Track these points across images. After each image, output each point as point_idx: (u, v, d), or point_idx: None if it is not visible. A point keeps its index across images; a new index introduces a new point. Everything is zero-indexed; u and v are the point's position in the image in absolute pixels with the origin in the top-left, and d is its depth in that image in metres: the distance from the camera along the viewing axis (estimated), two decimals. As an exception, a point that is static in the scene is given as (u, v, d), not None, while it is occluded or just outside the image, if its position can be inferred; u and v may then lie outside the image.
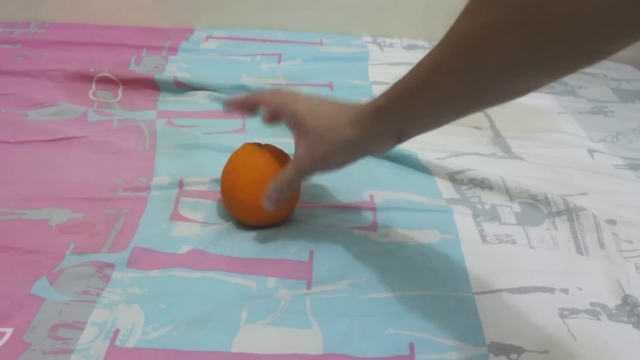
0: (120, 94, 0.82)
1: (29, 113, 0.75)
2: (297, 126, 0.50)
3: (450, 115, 0.43)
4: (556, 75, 0.36)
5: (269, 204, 0.52)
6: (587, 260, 0.55)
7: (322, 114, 0.49)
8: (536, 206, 0.62)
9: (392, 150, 0.68)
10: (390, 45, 1.03)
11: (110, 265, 0.51)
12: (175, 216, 0.58)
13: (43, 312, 0.46)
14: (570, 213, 0.60)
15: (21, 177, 0.63)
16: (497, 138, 0.76)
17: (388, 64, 0.95)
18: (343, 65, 0.94)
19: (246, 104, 0.55)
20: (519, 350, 0.45)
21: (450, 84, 0.39)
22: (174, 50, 0.95)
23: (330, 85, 0.87)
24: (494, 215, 0.61)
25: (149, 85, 0.83)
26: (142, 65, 0.89)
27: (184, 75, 0.84)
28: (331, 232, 0.57)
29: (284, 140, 0.62)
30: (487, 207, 0.62)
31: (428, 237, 0.57)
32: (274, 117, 0.53)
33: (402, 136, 0.47)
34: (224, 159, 0.57)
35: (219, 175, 0.57)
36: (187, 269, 0.51)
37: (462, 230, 0.58)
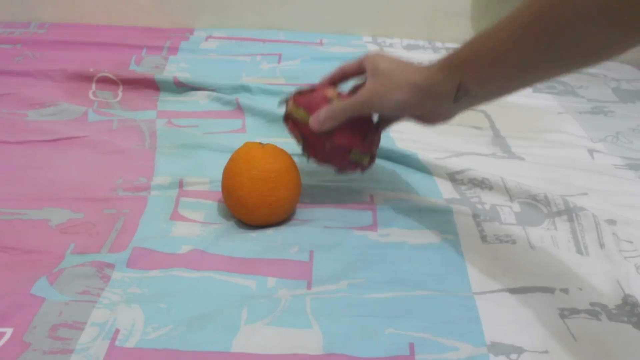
0: (120, 94, 0.82)
1: (29, 113, 0.75)
2: (372, 68, 0.53)
3: (513, 78, 0.45)
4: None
5: (314, 123, 0.55)
6: (587, 260, 0.55)
7: (396, 60, 0.53)
8: (536, 206, 0.62)
9: (392, 150, 0.69)
10: (390, 45, 1.03)
11: (110, 265, 0.51)
12: (175, 216, 0.58)
13: (43, 312, 0.46)
14: (570, 213, 0.60)
15: (21, 177, 0.63)
16: (497, 138, 0.76)
17: (388, 64, 0.95)
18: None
19: (333, 78, 0.59)
20: (519, 350, 0.45)
21: (524, 38, 0.41)
22: (174, 50, 0.95)
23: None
24: (493, 215, 0.61)
25: (149, 85, 0.83)
26: (142, 65, 0.89)
27: (184, 75, 0.84)
28: (331, 232, 0.57)
29: (285, 140, 0.62)
30: (487, 207, 0.62)
31: (428, 237, 0.57)
32: (357, 66, 0.56)
33: (461, 92, 0.47)
34: (224, 159, 0.57)
35: (219, 175, 0.57)
36: (187, 269, 0.51)
37: (462, 230, 0.58)
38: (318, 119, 0.54)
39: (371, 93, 0.52)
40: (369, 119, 0.58)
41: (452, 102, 0.48)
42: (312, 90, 0.58)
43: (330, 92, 0.57)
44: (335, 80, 0.59)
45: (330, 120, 0.54)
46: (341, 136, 0.56)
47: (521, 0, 0.41)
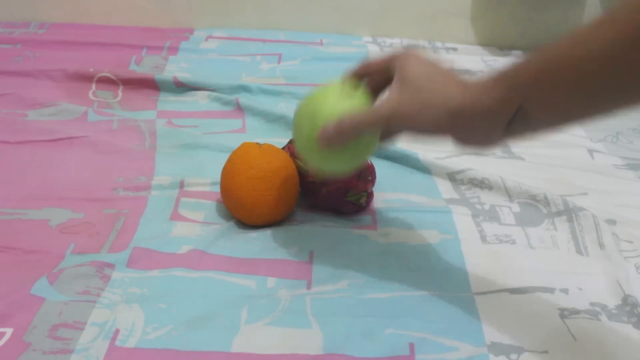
0: (120, 94, 0.82)
1: (29, 113, 0.75)
2: (400, 73, 0.42)
3: (595, 105, 0.36)
4: None
5: (322, 138, 0.43)
6: (587, 261, 0.55)
7: (433, 67, 0.41)
8: (536, 206, 0.62)
9: (392, 150, 0.69)
10: (390, 45, 1.03)
11: (110, 265, 0.51)
12: (176, 216, 0.58)
13: (43, 312, 0.46)
14: (569, 213, 0.60)
15: (21, 177, 0.63)
16: (497, 138, 0.76)
17: (388, 64, 0.95)
18: (343, 65, 0.93)
19: (356, 74, 0.47)
20: (519, 350, 0.45)
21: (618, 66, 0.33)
22: (174, 50, 0.95)
23: (330, 85, 0.87)
24: (493, 216, 0.61)
25: (149, 85, 0.83)
26: (142, 65, 0.89)
27: (184, 75, 0.84)
28: (331, 232, 0.57)
29: (284, 140, 0.62)
30: (487, 207, 0.62)
31: (428, 237, 0.57)
32: (379, 81, 0.46)
33: (517, 119, 0.38)
34: (224, 159, 0.57)
35: (219, 175, 0.57)
36: (187, 269, 0.51)
37: (461, 230, 0.58)
38: (326, 135, 0.43)
39: (394, 109, 0.41)
40: (365, 178, 0.58)
41: (504, 130, 0.39)
42: None
43: None
44: (358, 77, 0.47)
45: (340, 137, 0.43)
46: (335, 180, 0.56)
47: (612, 10, 0.33)
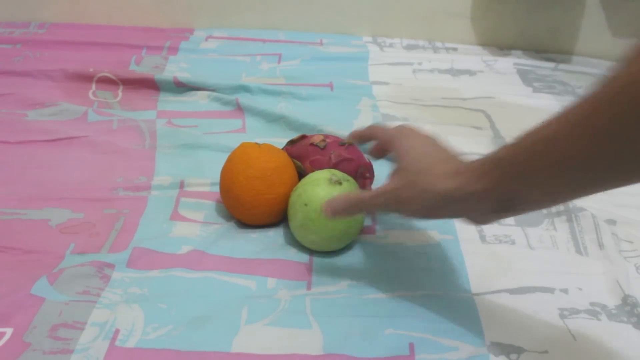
0: (120, 94, 0.82)
1: (29, 113, 0.75)
2: (400, 158, 0.45)
3: (590, 186, 0.35)
4: None
5: (328, 208, 0.47)
6: (587, 261, 0.55)
7: (423, 156, 0.44)
8: (536, 206, 0.62)
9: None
10: (391, 45, 1.03)
11: (110, 265, 0.51)
12: (176, 216, 0.58)
13: (43, 312, 0.46)
14: (569, 213, 0.61)
15: (21, 177, 0.63)
16: (497, 138, 0.76)
17: (388, 64, 0.95)
18: (343, 65, 0.94)
19: (362, 136, 0.53)
20: (519, 350, 0.45)
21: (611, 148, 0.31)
22: (174, 50, 0.95)
23: (330, 86, 0.87)
24: (493, 216, 0.61)
25: (149, 85, 0.83)
26: (142, 65, 0.89)
27: (184, 75, 0.84)
28: (331, 232, 0.57)
29: (283, 140, 0.62)
30: (487, 207, 0.62)
31: (427, 237, 0.57)
32: (381, 150, 0.52)
33: (505, 206, 0.39)
34: (224, 159, 0.57)
35: (219, 175, 0.57)
36: (187, 269, 0.51)
37: (461, 230, 0.58)
38: (332, 206, 0.47)
39: (393, 195, 0.44)
40: (359, 155, 0.59)
41: (493, 213, 0.41)
42: (302, 137, 0.60)
43: (315, 139, 0.59)
44: (363, 140, 0.53)
45: (344, 212, 0.48)
46: None
47: (591, 93, 0.32)
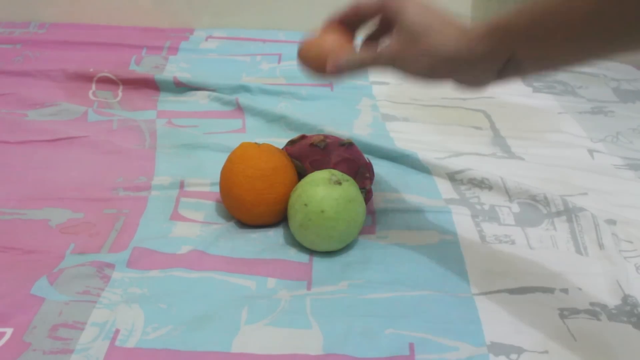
0: (120, 94, 0.82)
1: (29, 113, 0.75)
2: (398, 19, 0.44)
3: (583, 52, 0.37)
4: None
5: (332, 66, 0.47)
6: (587, 261, 0.55)
7: (430, 12, 0.43)
8: (535, 206, 0.62)
9: (392, 150, 0.69)
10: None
11: (110, 265, 0.51)
12: (176, 216, 0.58)
13: (43, 312, 0.46)
14: (569, 213, 0.60)
15: (21, 177, 0.63)
16: (497, 138, 0.76)
17: (388, 64, 0.95)
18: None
19: (354, 11, 0.49)
20: (519, 350, 0.45)
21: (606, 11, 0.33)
22: (174, 50, 0.95)
23: (330, 85, 0.87)
24: (492, 216, 0.61)
25: (149, 85, 0.83)
26: (142, 65, 0.89)
27: (184, 75, 0.84)
28: (331, 232, 0.57)
29: (283, 140, 0.62)
30: (486, 207, 0.62)
31: (427, 237, 0.57)
32: (377, 7, 0.47)
33: (509, 66, 0.40)
34: (224, 159, 0.57)
35: (219, 175, 0.57)
36: (187, 269, 0.51)
37: (461, 230, 0.58)
38: (336, 63, 0.47)
39: (395, 56, 0.44)
40: (359, 155, 0.59)
41: (496, 75, 0.42)
42: (302, 137, 0.60)
43: (315, 139, 0.59)
44: (347, 21, 0.49)
45: (347, 69, 0.47)
46: None
47: None
